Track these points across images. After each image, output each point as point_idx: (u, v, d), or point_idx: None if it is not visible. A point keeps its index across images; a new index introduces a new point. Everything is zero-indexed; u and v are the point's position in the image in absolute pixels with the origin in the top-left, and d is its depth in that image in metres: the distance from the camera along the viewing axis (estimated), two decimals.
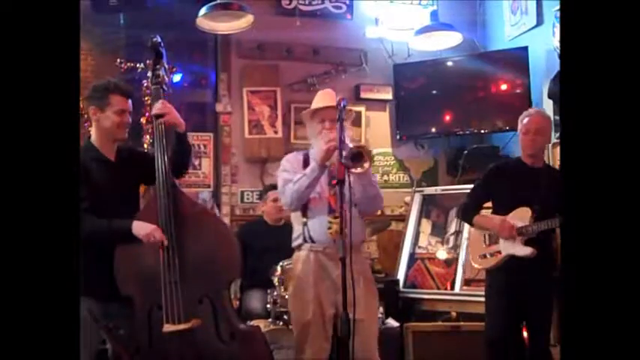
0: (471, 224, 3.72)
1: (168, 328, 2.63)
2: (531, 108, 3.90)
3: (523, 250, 3.39)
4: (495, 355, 3.45)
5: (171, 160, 2.85)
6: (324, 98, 3.18)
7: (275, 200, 4.61)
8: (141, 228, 2.69)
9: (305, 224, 3.10)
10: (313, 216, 3.09)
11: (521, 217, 3.42)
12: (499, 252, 3.50)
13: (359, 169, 2.85)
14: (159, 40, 2.97)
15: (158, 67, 2.94)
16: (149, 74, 2.98)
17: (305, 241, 3.10)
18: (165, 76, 2.97)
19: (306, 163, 3.14)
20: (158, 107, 2.86)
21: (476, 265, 3.74)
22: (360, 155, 2.89)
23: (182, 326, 2.63)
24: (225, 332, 2.74)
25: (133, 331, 2.71)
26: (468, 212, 3.66)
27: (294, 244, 3.18)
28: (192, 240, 2.76)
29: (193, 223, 2.79)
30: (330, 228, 3.03)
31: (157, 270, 2.68)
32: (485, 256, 3.59)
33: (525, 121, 3.53)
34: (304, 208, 3.10)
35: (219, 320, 2.74)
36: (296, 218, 3.19)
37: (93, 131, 2.88)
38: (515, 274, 3.40)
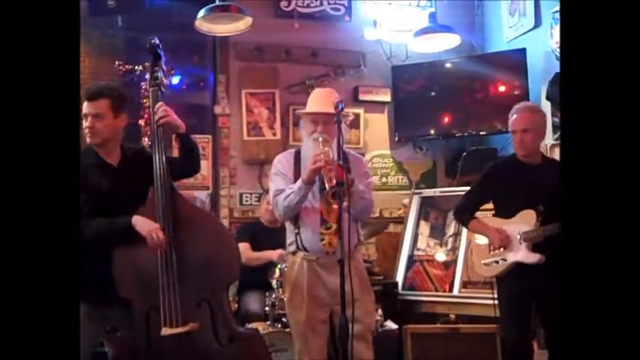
0: (466, 226, 3.58)
1: (166, 331, 2.60)
2: (520, 103, 3.48)
3: (531, 257, 3.20)
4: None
5: (178, 162, 2.85)
6: (319, 102, 3.06)
7: (269, 203, 4.60)
8: (142, 224, 2.65)
9: (297, 234, 3.06)
10: (305, 226, 3.04)
11: (526, 220, 3.25)
12: (504, 259, 3.30)
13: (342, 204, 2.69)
14: (157, 41, 2.93)
15: (156, 69, 2.90)
16: (147, 76, 2.93)
17: (298, 248, 3.07)
18: (164, 78, 2.92)
19: (297, 162, 3.11)
20: (157, 110, 2.82)
21: (481, 273, 3.55)
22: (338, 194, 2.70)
23: (180, 330, 2.60)
24: (223, 336, 2.71)
25: (131, 334, 2.69)
26: (464, 213, 3.51)
27: (289, 249, 3.15)
28: (191, 242, 2.73)
29: (191, 225, 2.76)
30: (322, 240, 3.00)
31: (154, 272, 2.65)
32: (489, 264, 3.38)
33: (512, 119, 3.33)
34: (295, 219, 3.06)
35: (217, 324, 2.71)
36: (289, 225, 3.15)
37: None
38: (525, 282, 3.20)
